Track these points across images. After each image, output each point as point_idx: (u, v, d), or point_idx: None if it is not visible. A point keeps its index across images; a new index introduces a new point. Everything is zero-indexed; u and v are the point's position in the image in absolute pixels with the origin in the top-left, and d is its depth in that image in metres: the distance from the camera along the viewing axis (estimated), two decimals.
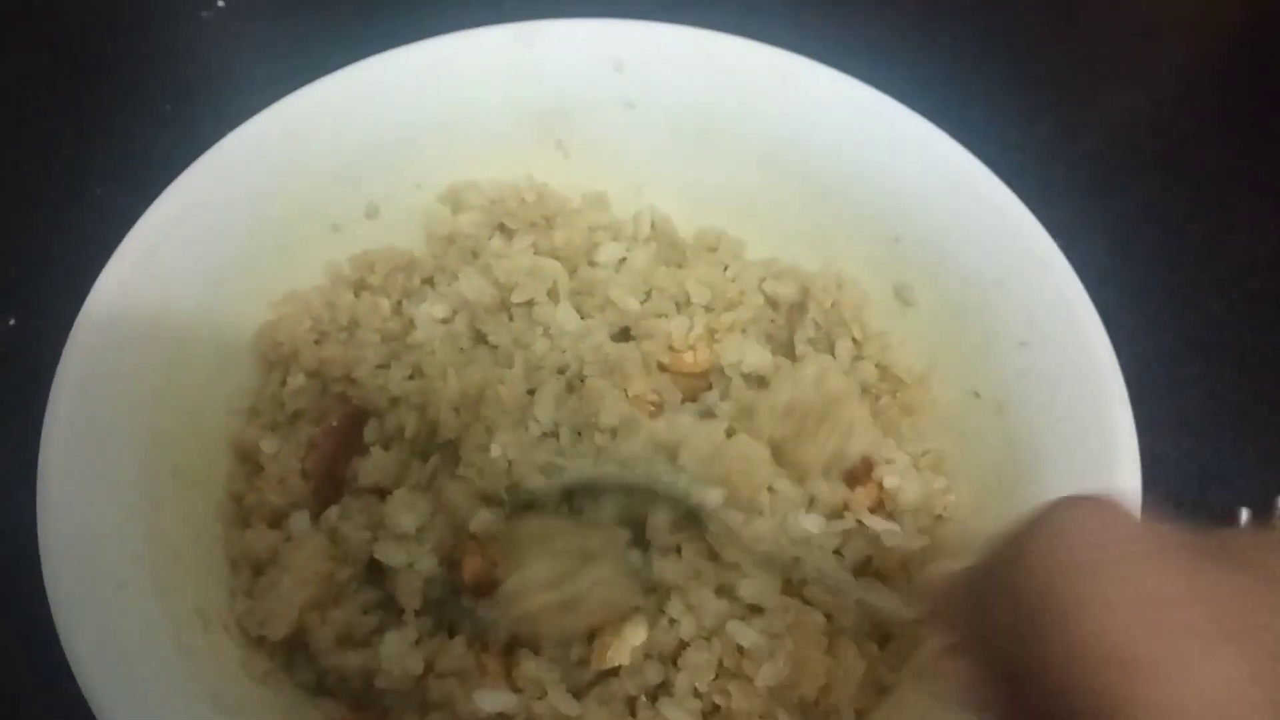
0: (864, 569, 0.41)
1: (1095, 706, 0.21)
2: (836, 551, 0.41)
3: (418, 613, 0.39)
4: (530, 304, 0.46)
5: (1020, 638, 0.23)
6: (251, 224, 0.44)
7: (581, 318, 0.47)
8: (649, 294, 0.49)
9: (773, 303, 0.49)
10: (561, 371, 0.44)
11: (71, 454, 0.37)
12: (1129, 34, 0.76)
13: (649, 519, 0.39)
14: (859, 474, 0.43)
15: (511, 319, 0.46)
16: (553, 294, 0.46)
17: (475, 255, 0.48)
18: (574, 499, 0.41)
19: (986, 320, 0.43)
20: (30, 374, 0.53)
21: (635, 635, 0.37)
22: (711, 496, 0.39)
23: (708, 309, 0.48)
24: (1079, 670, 0.21)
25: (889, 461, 0.43)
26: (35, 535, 0.46)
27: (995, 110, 0.64)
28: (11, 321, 0.57)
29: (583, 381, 0.43)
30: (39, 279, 0.58)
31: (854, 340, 0.47)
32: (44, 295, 0.57)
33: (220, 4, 0.70)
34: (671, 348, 0.45)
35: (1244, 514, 0.52)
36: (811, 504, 0.41)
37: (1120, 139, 0.69)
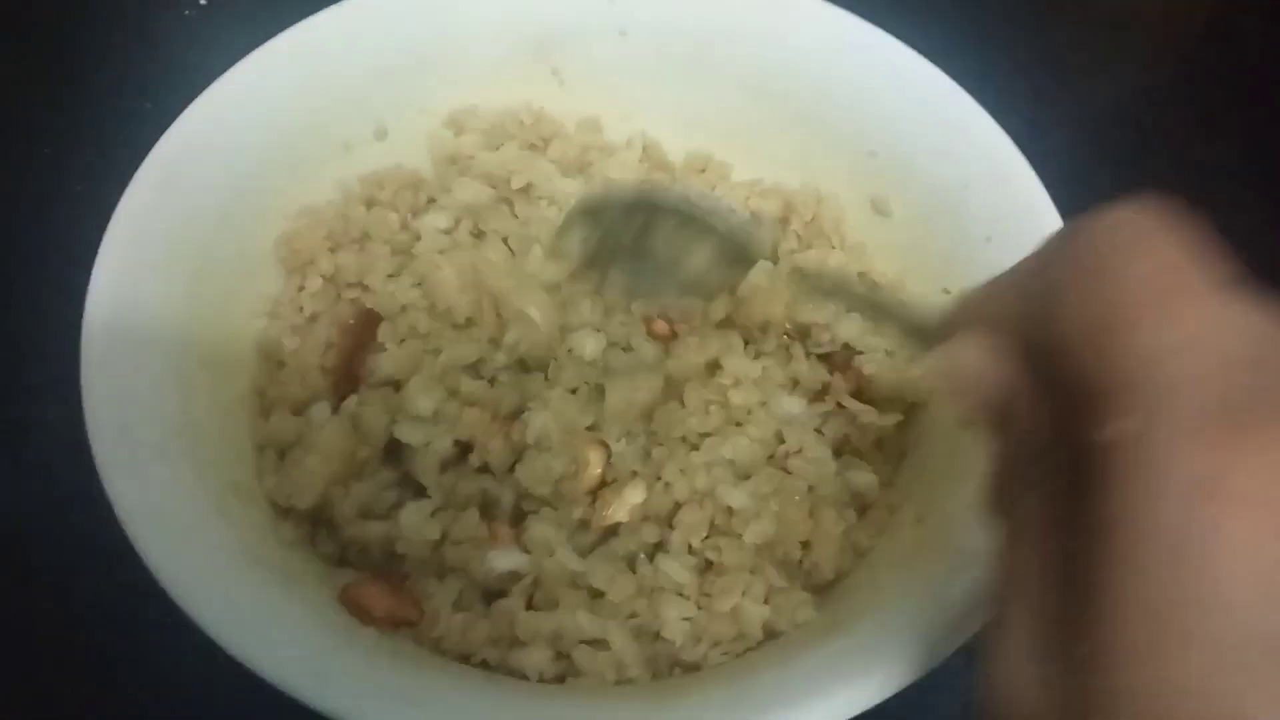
0: (843, 447, 0.45)
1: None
2: (818, 430, 0.44)
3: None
4: (528, 189, 0.49)
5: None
6: (268, 141, 0.47)
7: None
8: None
9: (757, 217, 0.53)
10: None
11: (109, 346, 0.39)
12: (1098, 28, 0.78)
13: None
14: (840, 362, 0.46)
15: (515, 215, 0.49)
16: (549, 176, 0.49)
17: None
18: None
19: (955, 222, 0.47)
20: (14, 367, 0.55)
21: (634, 495, 0.40)
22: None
23: None
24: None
25: (867, 352, 0.46)
26: (29, 528, 0.50)
27: None
28: None
29: None
30: (21, 275, 0.58)
31: (833, 249, 0.51)
32: (26, 291, 0.57)
33: (202, 2, 0.71)
34: None
35: None
36: (795, 386, 0.44)
37: (1089, 133, 0.71)
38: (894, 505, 0.44)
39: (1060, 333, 0.22)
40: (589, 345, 0.44)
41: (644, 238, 0.43)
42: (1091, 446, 0.21)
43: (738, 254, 0.43)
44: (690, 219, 0.42)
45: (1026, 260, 0.26)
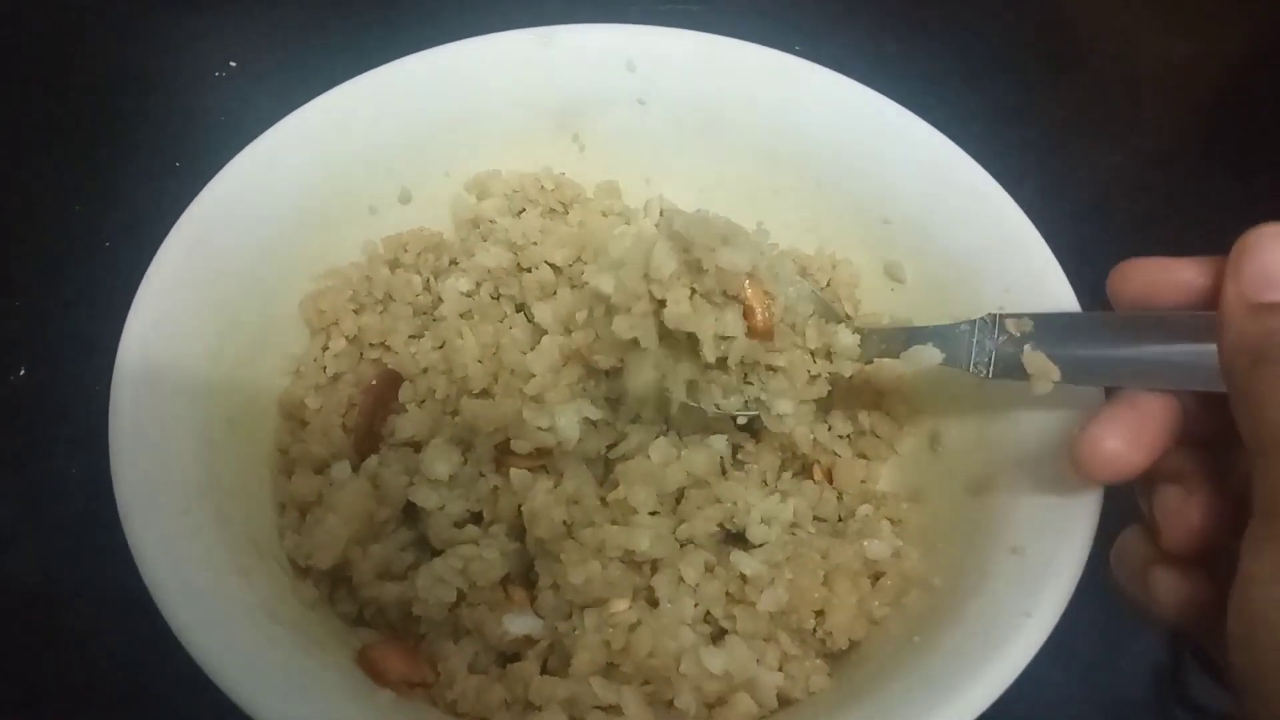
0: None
1: None
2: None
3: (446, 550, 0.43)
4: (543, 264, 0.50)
5: None
6: (296, 204, 0.48)
7: None
8: None
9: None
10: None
11: (137, 404, 0.40)
12: (1109, 94, 0.80)
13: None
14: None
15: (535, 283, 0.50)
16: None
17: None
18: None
19: (967, 290, 0.47)
20: (41, 424, 0.56)
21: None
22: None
23: None
24: None
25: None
26: (53, 584, 0.51)
27: None
28: (22, 372, 0.59)
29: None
30: (50, 330, 0.60)
31: (848, 315, 0.52)
32: (55, 346, 0.59)
33: (232, 64, 0.74)
34: None
35: None
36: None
37: (1103, 201, 0.73)
38: (908, 573, 0.44)
39: None
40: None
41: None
42: None
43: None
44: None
45: None
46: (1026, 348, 0.38)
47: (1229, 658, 0.27)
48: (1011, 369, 0.38)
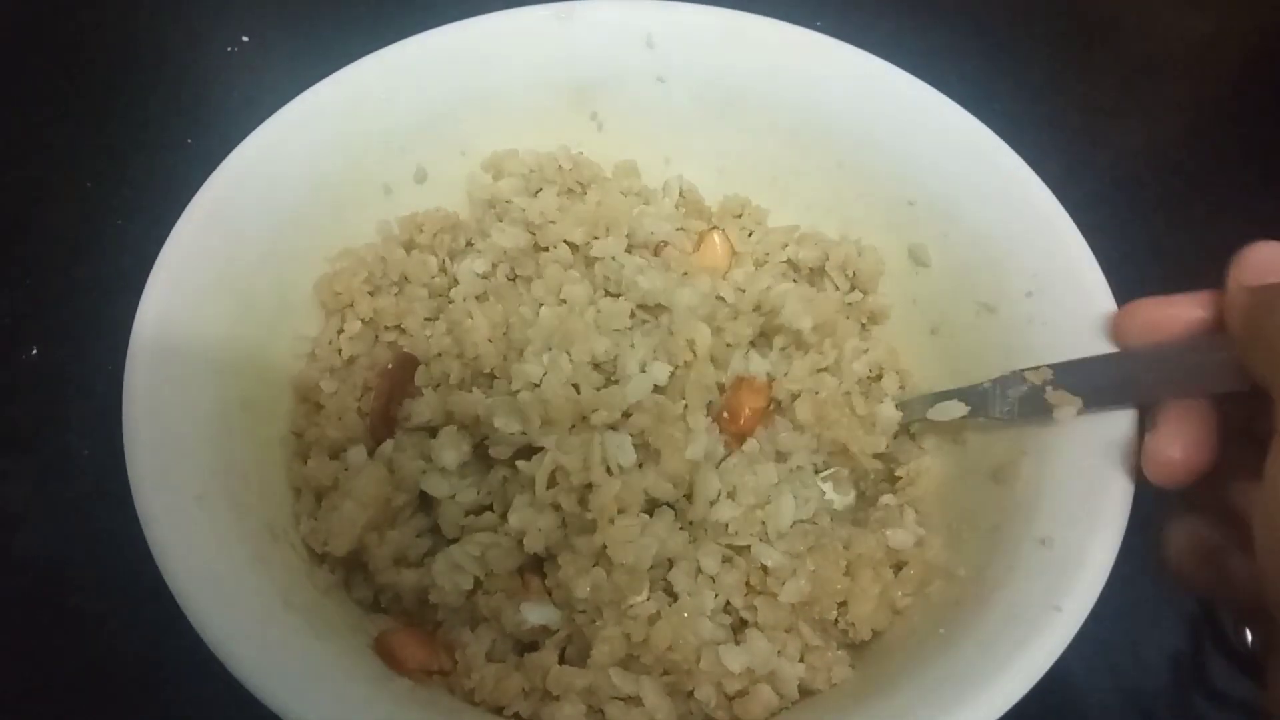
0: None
1: None
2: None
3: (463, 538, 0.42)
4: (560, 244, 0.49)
5: None
6: (310, 184, 0.48)
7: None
8: None
9: (795, 265, 0.53)
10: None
11: (151, 384, 0.39)
12: (1133, 72, 0.78)
13: None
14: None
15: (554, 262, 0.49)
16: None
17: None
18: None
19: (994, 275, 0.46)
20: (52, 402, 0.56)
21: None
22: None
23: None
24: None
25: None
26: (63, 566, 0.50)
27: None
28: (34, 351, 0.58)
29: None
30: (61, 309, 0.60)
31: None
32: (66, 325, 0.59)
33: (245, 39, 0.73)
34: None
35: None
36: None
37: (1126, 181, 0.71)
38: (931, 563, 0.43)
39: None
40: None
41: None
42: None
43: None
44: None
45: None
46: (1049, 389, 0.40)
47: (1258, 567, 0.30)
48: (1036, 409, 0.40)
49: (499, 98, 0.52)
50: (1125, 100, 0.77)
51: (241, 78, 0.72)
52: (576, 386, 0.43)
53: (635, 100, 0.54)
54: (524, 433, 0.42)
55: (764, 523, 0.42)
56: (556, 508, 0.41)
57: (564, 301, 0.48)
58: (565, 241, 0.49)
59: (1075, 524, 0.37)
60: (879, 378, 0.49)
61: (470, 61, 0.51)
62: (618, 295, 0.48)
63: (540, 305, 0.47)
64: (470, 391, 0.45)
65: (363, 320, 0.48)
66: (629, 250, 0.50)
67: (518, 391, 0.42)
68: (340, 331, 0.48)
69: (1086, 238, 0.44)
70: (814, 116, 0.52)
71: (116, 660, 0.49)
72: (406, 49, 0.50)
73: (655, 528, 0.41)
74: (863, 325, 0.52)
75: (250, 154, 0.45)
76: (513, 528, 0.41)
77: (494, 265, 0.50)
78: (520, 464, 0.42)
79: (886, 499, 0.46)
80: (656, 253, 0.52)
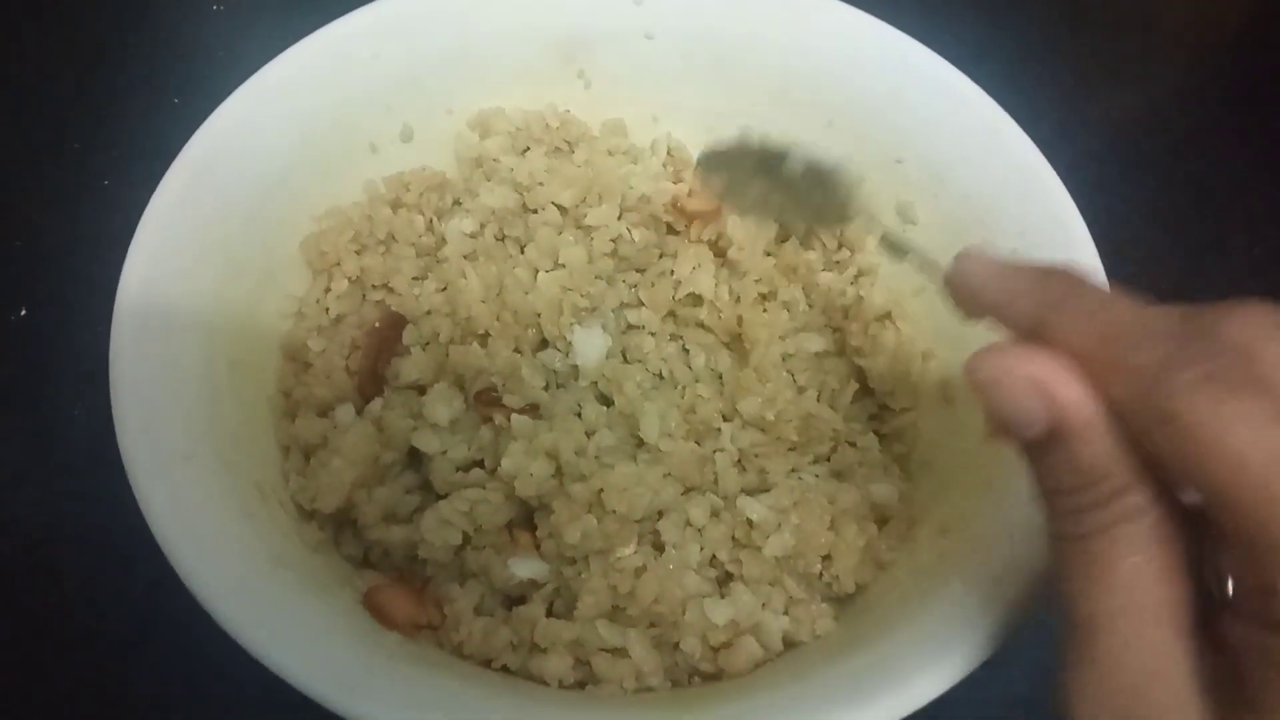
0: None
1: None
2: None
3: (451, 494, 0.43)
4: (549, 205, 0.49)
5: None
6: (295, 142, 0.47)
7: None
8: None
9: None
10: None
11: (138, 345, 0.39)
12: (1126, 34, 0.78)
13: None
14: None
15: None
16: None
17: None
18: None
19: (981, 232, 0.46)
20: (41, 364, 0.56)
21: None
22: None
23: None
24: None
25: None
26: (54, 526, 0.51)
27: None
28: (23, 312, 0.58)
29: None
30: (49, 270, 0.59)
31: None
32: (54, 286, 0.58)
33: None
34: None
35: None
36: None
37: (1119, 140, 0.71)
38: (915, 517, 0.43)
39: (1200, 444, 0.22)
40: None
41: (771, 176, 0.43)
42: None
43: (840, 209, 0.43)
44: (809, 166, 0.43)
45: (1146, 315, 0.25)
46: None
47: None
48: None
49: (485, 55, 0.52)
50: (1120, 61, 0.77)
51: (226, 37, 0.71)
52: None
53: (623, 57, 0.53)
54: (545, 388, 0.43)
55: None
56: (551, 455, 0.41)
57: (562, 265, 0.48)
58: (554, 204, 0.49)
59: None
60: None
61: (457, 18, 0.50)
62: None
63: (536, 270, 0.48)
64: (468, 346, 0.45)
65: (350, 279, 0.48)
66: (620, 217, 0.50)
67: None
68: (327, 290, 0.48)
69: (1079, 197, 0.44)
70: (803, 73, 0.52)
71: (108, 619, 0.49)
72: (392, 5, 0.49)
73: (648, 477, 0.41)
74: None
75: (233, 112, 0.45)
76: (505, 473, 0.41)
77: (482, 225, 0.50)
78: (515, 418, 0.42)
79: (873, 455, 0.46)
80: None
